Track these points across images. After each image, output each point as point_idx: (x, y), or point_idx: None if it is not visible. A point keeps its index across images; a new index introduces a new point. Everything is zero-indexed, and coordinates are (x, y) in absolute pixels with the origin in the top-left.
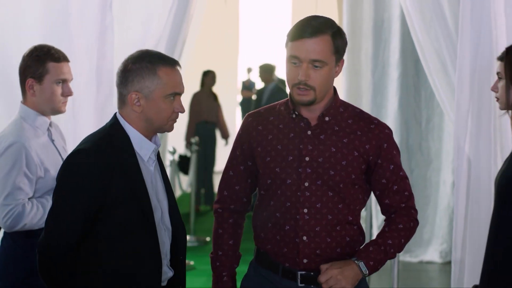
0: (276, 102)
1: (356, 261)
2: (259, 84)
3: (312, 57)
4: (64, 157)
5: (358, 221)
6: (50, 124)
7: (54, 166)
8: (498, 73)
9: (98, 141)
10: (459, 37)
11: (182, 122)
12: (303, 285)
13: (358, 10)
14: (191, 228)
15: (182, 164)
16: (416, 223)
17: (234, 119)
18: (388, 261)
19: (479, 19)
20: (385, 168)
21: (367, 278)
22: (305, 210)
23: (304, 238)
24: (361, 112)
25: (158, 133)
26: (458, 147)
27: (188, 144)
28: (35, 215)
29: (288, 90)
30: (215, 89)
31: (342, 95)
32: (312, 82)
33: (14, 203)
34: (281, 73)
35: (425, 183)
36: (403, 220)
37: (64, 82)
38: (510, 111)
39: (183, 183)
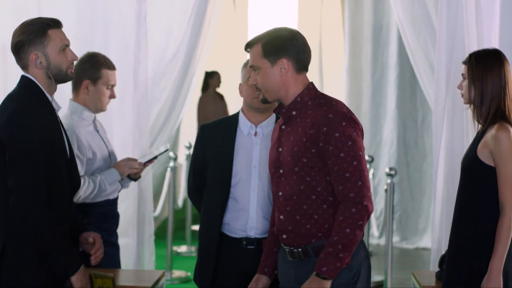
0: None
1: (314, 273)
2: None
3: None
4: (108, 144)
5: (326, 200)
6: (95, 118)
7: (100, 151)
8: (462, 74)
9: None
10: (436, 44)
11: (193, 125)
12: (291, 259)
13: (358, 17)
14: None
15: None
16: (356, 205)
17: None
18: (383, 247)
19: (453, 29)
20: (326, 150)
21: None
22: (280, 193)
23: (281, 217)
24: (325, 102)
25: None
26: (436, 137)
27: None
28: (87, 188)
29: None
30: (226, 91)
31: (343, 95)
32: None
33: None
34: None
35: (420, 176)
36: (341, 211)
37: (112, 86)
38: (471, 105)
39: None
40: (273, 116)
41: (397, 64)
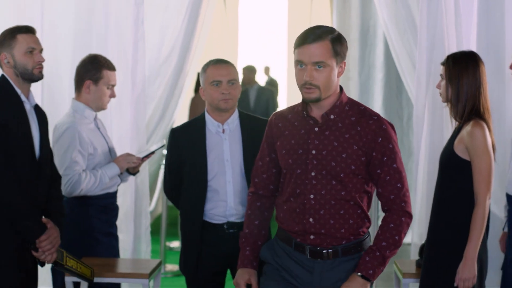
0: (297, 103)
1: (358, 274)
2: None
3: (314, 60)
4: (108, 141)
5: (362, 206)
6: (96, 116)
7: (100, 147)
8: (441, 75)
9: None
10: (417, 45)
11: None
12: (310, 258)
13: (346, 19)
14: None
15: None
16: (406, 214)
17: None
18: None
19: (434, 30)
20: (379, 160)
21: None
22: (311, 196)
23: (311, 220)
24: (364, 109)
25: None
26: (417, 135)
27: None
28: (89, 182)
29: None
30: None
31: None
32: (316, 82)
33: (72, 173)
34: (274, 73)
35: (407, 174)
36: (393, 219)
37: (113, 86)
38: (448, 103)
39: None
40: (236, 112)
41: (383, 65)
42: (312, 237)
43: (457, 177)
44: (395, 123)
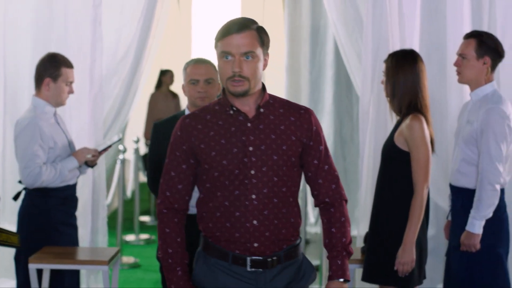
0: (208, 104)
1: (340, 280)
2: None
3: (244, 50)
4: (67, 135)
5: (297, 202)
6: (55, 112)
7: (60, 141)
8: (383, 72)
9: None
10: (363, 44)
11: (141, 122)
12: (253, 269)
13: (297, 18)
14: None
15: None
16: (345, 202)
17: None
18: (320, 235)
19: (379, 30)
20: (316, 150)
21: None
22: (253, 196)
23: (254, 222)
24: (287, 101)
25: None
26: (363, 128)
27: (148, 143)
28: (49, 174)
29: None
30: (176, 88)
31: (283, 92)
32: (245, 73)
33: (33, 166)
34: None
35: (356, 169)
36: (341, 211)
37: (71, 83)
38: (388, 98)
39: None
40: None
41: (333, 63)
42: (256, 244)
43: (397, 168)
44: (345, 119)
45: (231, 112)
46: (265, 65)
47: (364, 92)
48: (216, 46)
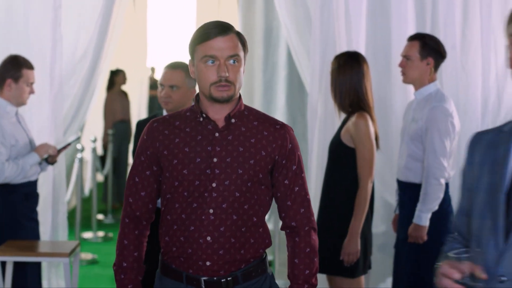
0: (181, 110)
1: None
2: None
3: (230, 53)
4: (28, 133)
5: (264, 223)
6: (17, 111)
7: (21, 139)
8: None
9: None
10: (311, 44)
11: (98, 122)
12: None
13: (251, 20)
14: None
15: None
16: (314, 230)
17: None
18: (271, 231)
19: (326, 32)
20: (288, 169)
21: None
22: (211, 211)
23: (208, 238)
24: (264, 114)
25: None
26: (311, 126)
27: (105, 144)
28: (12, 170)
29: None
30: (127, 88)
31: None
32: (231, 78)
33: None
34: None
35: (307, 166)
36: (307, 241)
37: (31, 84)
38: (333, 97)
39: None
40: None
41: (286, 64)
42: (208, 263)
43: (343, 163)
44: (298, 119)
45: (201, 119)
46: (244, 71)
47: (312, 91)
48: (194, 51)
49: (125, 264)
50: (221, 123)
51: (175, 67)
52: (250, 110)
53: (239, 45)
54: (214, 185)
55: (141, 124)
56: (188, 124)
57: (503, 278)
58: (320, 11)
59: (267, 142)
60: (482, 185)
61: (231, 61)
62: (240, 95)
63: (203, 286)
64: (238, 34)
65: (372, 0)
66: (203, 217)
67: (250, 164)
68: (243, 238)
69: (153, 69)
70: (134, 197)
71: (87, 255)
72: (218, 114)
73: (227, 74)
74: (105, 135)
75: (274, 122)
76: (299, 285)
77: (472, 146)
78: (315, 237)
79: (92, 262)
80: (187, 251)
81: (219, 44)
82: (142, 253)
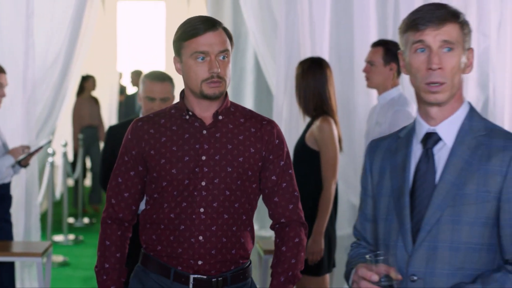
0: (165, 108)
1: None
2: (131, 89)
3: (221, 48)
4: (2, 137)
5: (251, 222)
6: None
7: None
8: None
9: None
10: (276, 50)
11: (69, 127)
12: None
13: None
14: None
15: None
16: (304, 226)
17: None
18: None
19: (291, 38)
20: (276, 165)
21: None
22: (201, 210)
23: (200, 238)
24: (250, 111)
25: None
26: None
27: (76, 149)
28: None
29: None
30: (97, 94)
31: None
32: (222, 74)
33: None
34: None
35: None
36: (297, 232)
37: (3, 87)
38: (297, 102)
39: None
40: None
41: (254, 68)
42: (200, 262)
43: (308, 165)
44: None
45: (187, 117)
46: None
47: (278, 94)
48: (181, 47)
49: (107, 265)
50: (208, 121)
51: (163, 79)
52: (236, 107)
53: (228, 40)
54: (203, 183)
55: (113, 129)
56: (174, 122)
57: (414, 278)
58: (285, 17)
59: (255, 139)
60: (385, 190)
61: (221, 57)
62: (226, 92)
63: (192, 283)
64: (225, 29)
65: (335, 6)
66: (193, 216)
67: (239, 161)
68: (234, 237)
69: (120, 75)
70: (117, 198)
71: (58, 258)
72: (205, 111)
73: (219, 70)
74: (75, 140)
75: (261, 118)
76: (284, 270)
77: (371, 153)
78: (305, 233)
79: (63, 264)
80: (177, 250)
81: (210, 40)
82: (124, 254)
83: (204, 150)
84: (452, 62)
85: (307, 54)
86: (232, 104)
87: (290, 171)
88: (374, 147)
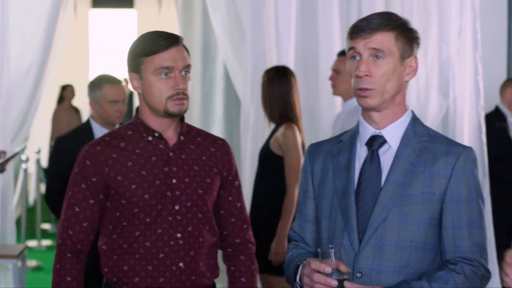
0: (113, 130)
1: None
2: None
3: (184, 64)
4: None
5: (218, 243)
6: None
7: None
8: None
9: None
10: (244, 59)
11: (42, 135)
12: None
13: (189, 34)
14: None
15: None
16: (254, 244)
17: None
18: None
19: (257, 47)
20: (232, 185)
21: None
22: (178, 235)
23: (181, 264)
24: (202, 130)
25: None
26: (244, 135)
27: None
28: None
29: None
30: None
31: None
32: (186, 91)
33: None
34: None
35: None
36: (251, 259)
37: None
38: (263, 109)
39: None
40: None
41: (223, 77)
42: None
43: (272, 171)
44: (235, 129)
45: (150, 138)
46: None
47: (245, 101)
48: (141, 63)
49: None
50: (171, 141)
51: (120, 81)
52: (189, 126)
53: (188, 56)
54: (177, 207)
55: (60, 140)
56: (136, 145)
57: (360, 274)
58: (252, 27)
59: (216, 158)
60: (328, 190)
61: (183, 73)
62: None
63: None
64: (184, 45)
65: (300, 16)
66: (171, 243)
67: (207, 183)
68: (207, 260)
69: None
70: (75, 228)
71: (32, 262)
72: (165, 130)
73: (184, 86)
74: (51, 148)
75: (215, 138)
76: None
77: (311, 156)
78: (254, 250)
79: (37, 268)
80: (158, 280)
81: (174, 55)
82: (81, 285)
83: (174, 172)
84: (382, 70)
85: (273, 62)
86: (186, 124)
87: (241, 191)
88: (315, 150)
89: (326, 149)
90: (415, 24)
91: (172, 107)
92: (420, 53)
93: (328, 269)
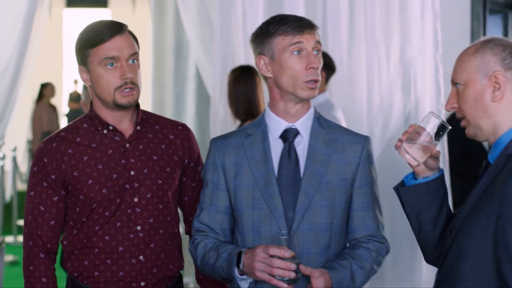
0: (70, 124)
1: None
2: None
3: (130, 52)
4: None
5: (179, 232)
6: None
7: None
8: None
9: None
10: (213, 59)
11: (19, 133)
12: None
13: (162, 34)
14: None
15: None
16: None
17: None
18: None
19: (226, 47)
20: (195, 171)
21: None
22: (138, 228)
23: (141, 257)
24: (161, 117)
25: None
26: (215, 132)
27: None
28: None
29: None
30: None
31: (149, 104)
32: (135, 79)
33: None
34: None
35: None
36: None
37: None
38: (229, 106)
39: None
40: None
41: (195, 76)
42: (143, 283)
43: None
44: (207, 127)
45: (105, 131)
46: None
47: (214, 96)
48: (86, 55)
49: None
50: (127, 133)
51: None
52: (148, 114)
53: (135, 43)
54: (136, 200)
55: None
56: (92, 139)
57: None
58: (221, 27)
59: (175, 146)
60: (247, 182)
61: (131, 61)
62: None
63: None
64: (130, 32)
65: (268, 16)
66: (131, 236)
67: (167, 172)
68: (170, 252)
69: (75, 81)
70: (43, 228)
71: (8, 257)
72: (119, 122)
73: (131, 75)
74: (36, 144)
75: (175, 123)
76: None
77: (219, 150)
78: None
79: (13, 263)
80: (118, 274)
81: (118, 44)
82: (55, 283)
83: (131, 164)
84: (321, 62)
85: (241, 61)
86: (143, 111)
87: (199, 169)
88: (222, 144)
89: (234, 143)
90: (378, 24)
91: (121, 99)
92: (383, 53)
93: (288, 254)
